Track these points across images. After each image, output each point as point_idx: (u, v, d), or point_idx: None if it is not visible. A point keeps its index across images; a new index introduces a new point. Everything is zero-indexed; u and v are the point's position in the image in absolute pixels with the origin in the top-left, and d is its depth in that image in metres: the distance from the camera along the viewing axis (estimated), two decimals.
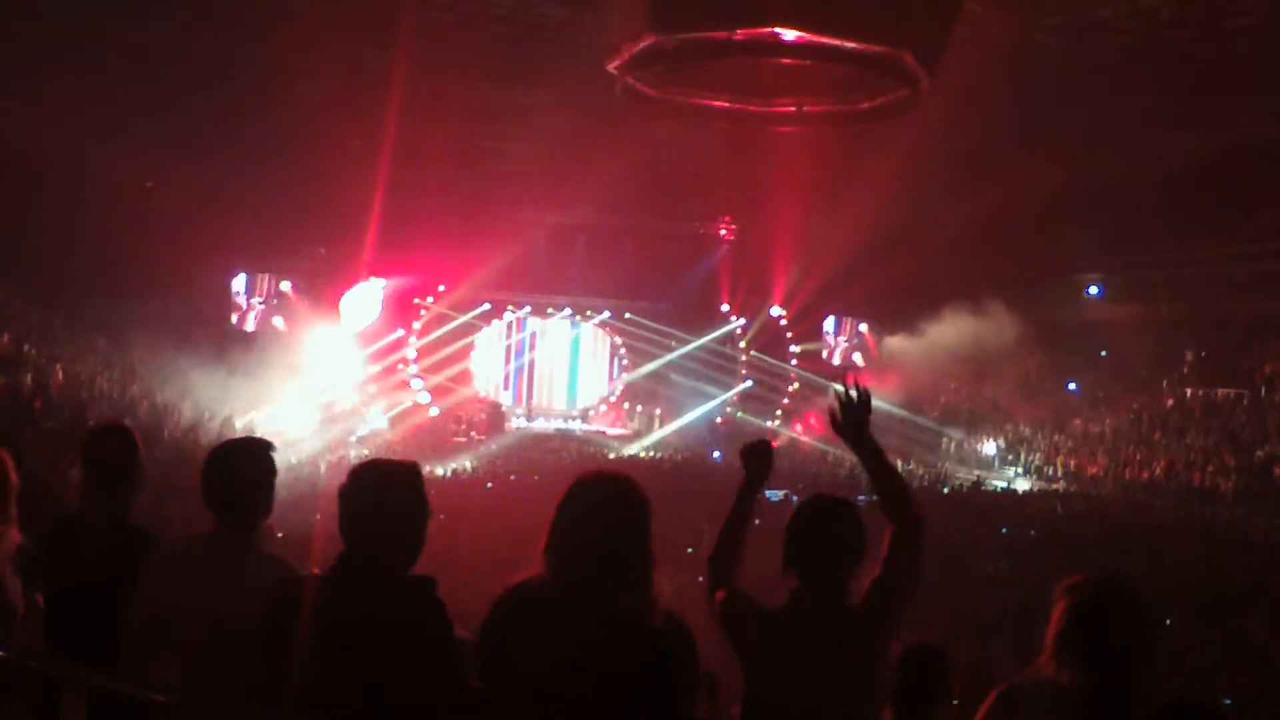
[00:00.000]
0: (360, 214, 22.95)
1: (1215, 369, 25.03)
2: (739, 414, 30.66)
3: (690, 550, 17.63)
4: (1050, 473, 25.47)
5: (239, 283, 27.25)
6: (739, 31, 16.47)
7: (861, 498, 3.55)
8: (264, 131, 21.15)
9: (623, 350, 31.07)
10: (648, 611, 2.92)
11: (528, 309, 30.47)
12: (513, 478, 20.91)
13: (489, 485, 20.32)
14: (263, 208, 23.77)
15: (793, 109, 20.29)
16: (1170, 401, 25.50)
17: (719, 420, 30.21)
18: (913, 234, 24.35)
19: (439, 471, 20.07)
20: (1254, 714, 10.76)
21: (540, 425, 29.35)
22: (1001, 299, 26.00)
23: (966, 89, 18.52)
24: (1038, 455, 26.45)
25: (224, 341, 23.97)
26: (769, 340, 30.86)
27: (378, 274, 26.86)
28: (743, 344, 31.04)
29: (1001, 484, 24.37)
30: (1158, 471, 23.63)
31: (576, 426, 29.77)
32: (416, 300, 28.45)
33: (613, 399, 31.17)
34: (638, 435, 29.17)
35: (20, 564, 3.77)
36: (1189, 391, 25.34)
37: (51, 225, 19.81)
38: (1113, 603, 2.96)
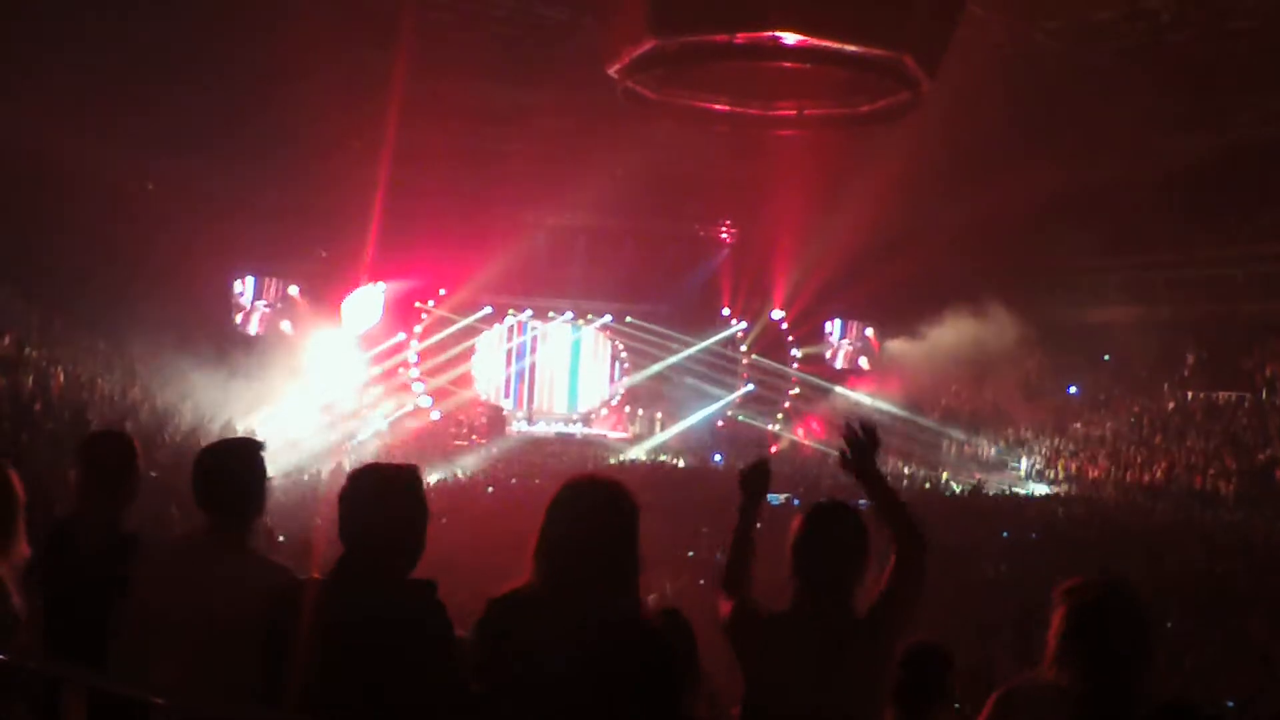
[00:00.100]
0: (360, 216, 22.95)
1: (1216, 371, 25.02)
2: (740, 417, 30.66)
3: (691, 554, 17.66)
4: (1052, 475, 25.47)
5: (244, 286, 27.24)
6: (740, 35, 16.47)
7: (862, 502, 3.55)
8: (264, 133, 21.16)
9: (623, 353, 31.07)
10: (642, 612, 2.95)
11: (528, 312, 30.49)
12: (514, 481, 20.89)
13: (490, 490, 20.31)
14: (263, 210, 23.80)
15: (793, 112, 20.29)
16: (1171, 404, 25.49)
17: (719, 423, 30.20)
18: (913, 236, 24.37)
19: (439, 476, 20.06)
20: (1254, 715, 10.75)
21: (541, 428, 29.36)
22: (1002, 301, 26.01)
23: (967, 91, 18.54)
24: (1038, 458, 26.44)
25: (225, 344, 23.96)
26: (770, 343, 30.86)
27: (378, 277, 26.87)
28: (743, 347, 31.04)
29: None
30: (1158, 474, 23.61)
31: (577, 430, 29.76)
32: (417, 303, 28.45)
33: (613, 402, 31.16)
34: (639, 438, 29.17)
35: (24, 572, 3.78)
36: (1190, 394, 25.32)
37: (53, 227, 19.82)
38: (1112, 606, 2.97)
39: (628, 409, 30.76)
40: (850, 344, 31.89)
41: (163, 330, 20.93)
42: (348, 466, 13.14)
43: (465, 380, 29.35)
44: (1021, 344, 26.71)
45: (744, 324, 30.85)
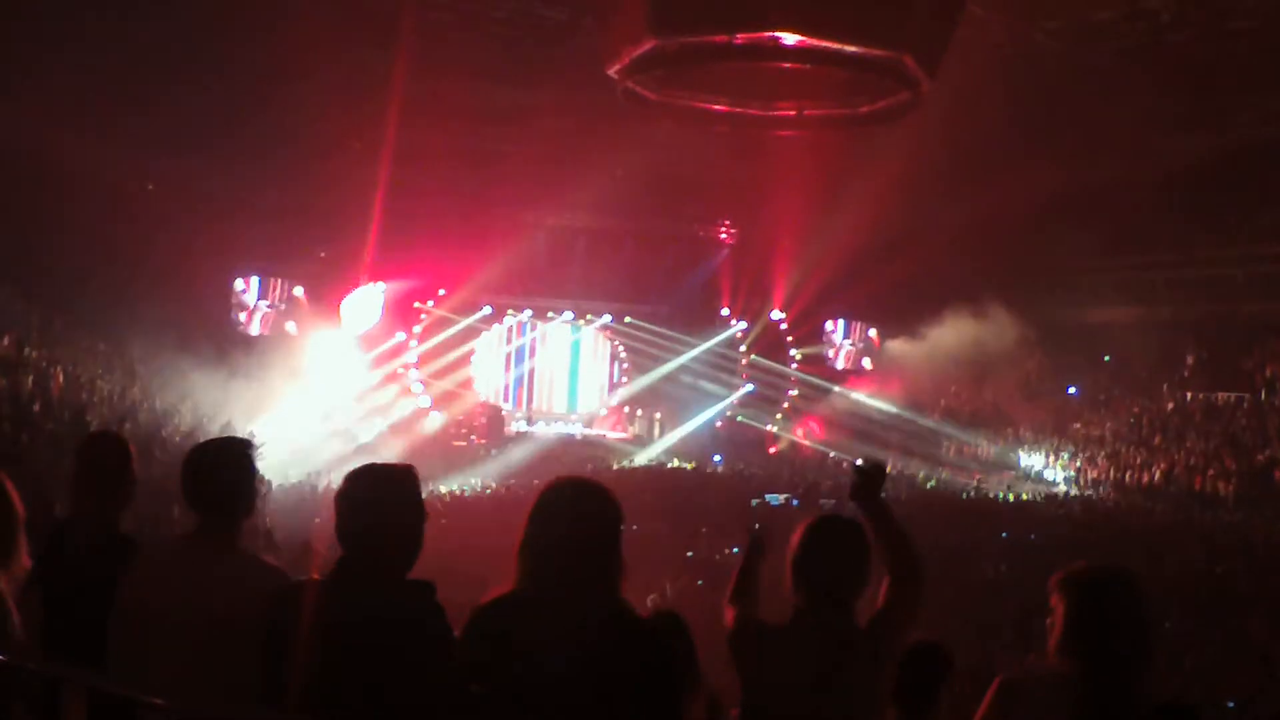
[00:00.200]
0: (360, 216, 22.95)
1: (1216, 372, 25.01)
2: (739, 417, 30.66)
3: (690, 554, 17.67)
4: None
5: (249, 286, 27.22)
6: (739, 35, 16.47)
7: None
8: (264, 133, 21.16)
9: (623, 354, 31.07)
10: (636, 612, 2.97)
11: (528, 313, 30.47)
12: (512, 482, 20.93)
13: (488, 490, 20.34)
14: (263, 210, 23.79)
15: (793, 112, 20.30)
16: (1170, 405, 25.49)
17: (719, 424, 30.22)
18: (912, 236, 24.38)
19: (450, 489, 20.03)
20: (1254, 715, 10.75)
21: (540, 429, 29.36)
22: (1001, 301, 26.02)
23: (967, 91, 18.54)
24: (1037, 459, 26.46)
25: (225, 344, 23.94)
26: (769, 343, 30.85)
27: (378, 277, 26.86)
28: (743, 347, 31.03)
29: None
30: (1158, 475, 23.61)
31: (577, 431, 29.75)
32: (417, 304, 28.44)
33: (613, 403, 31.16)
34: (639, 439, 29.18)
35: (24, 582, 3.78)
36: (1189, 395, 25.32)
37: (52, 227, 19.81)
38: (1112, 591, 2.98)
39: (627, 410, 30.75)
40: (853, 344, 31.87)
41: (162, 331, 20.93)
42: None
43: (464, 381, 29.33)
44: (1021, 344, 26.71)
45: (744, 324, 30.84)
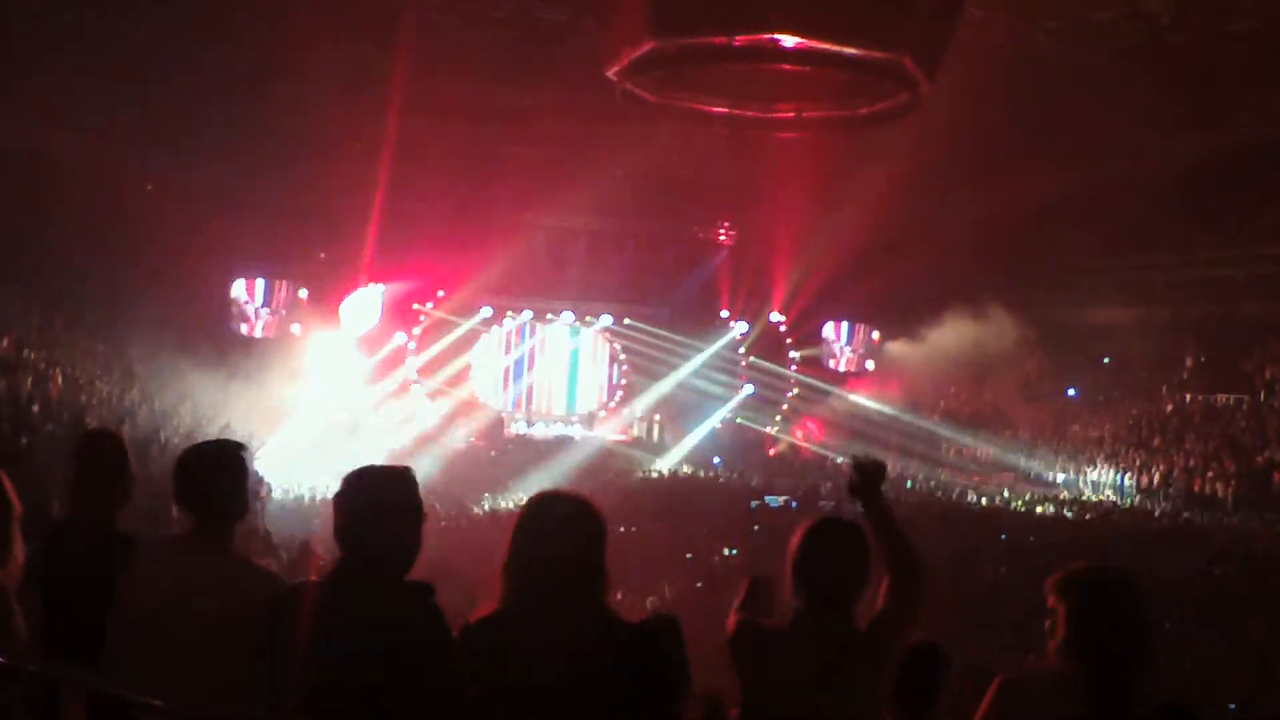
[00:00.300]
0: (359, 217, 22.95)
1: (1215, 373, 25.00)
2: (738, 419, 30.66)
3: (689, 555, 17.65)
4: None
5: (255, 288, 27.19)
6: (739, 37, 16.48)
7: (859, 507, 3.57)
8: (263, 134, 21.17)
9: (622, 356, 31.05)
10: (629, 618, 2.98)
11: (527, 314, 30.45)
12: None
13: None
14: (262, 211, 23.77)
15: (792, 114, 20.30)
16: (1170, 406, 25.48)
17: (718, 426, 30.23)
18: (912, 238, 24.36)
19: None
20: (1254, 716, 10.75)
21: (540, 430, 29.36)
22: (1001, 302, 26.01)
23: (966, 92, 18.53)
24: (1036, 460, 26.45)
25: (224, 346, 23.94)
26: (769, 345, 30.84)
27: (377, 278, 26.85)
28: (742, 349, 31.02)
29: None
30: (1157, 477, 23.61)
31: (576, 433, 29.74)
32: (416, 305, 28.43)
33: (612, 405, 31.14)
34: (638, 441, 29.21)
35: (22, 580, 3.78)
36: (1188, 396, 25.31)
37: (52, 228, 19.81)
38: (1112, 592, 2.97)
39: (626, 411, 30.74)
40: (853, 347, 31.83)
41: (161, 332, 20.93)
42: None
43: (464, 382, 29.32)
44: (1021, 345, 26.71)
45: (743, 326, 30.83)
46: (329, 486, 18.39)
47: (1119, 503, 23.28)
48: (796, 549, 3.37)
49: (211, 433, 18.86)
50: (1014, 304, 26.07)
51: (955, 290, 26.31)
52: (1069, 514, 22.26)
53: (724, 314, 30.84)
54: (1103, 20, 19.56)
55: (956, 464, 26.83)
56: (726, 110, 20.20)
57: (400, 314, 28.20)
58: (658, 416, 29.92)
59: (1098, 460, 25.14)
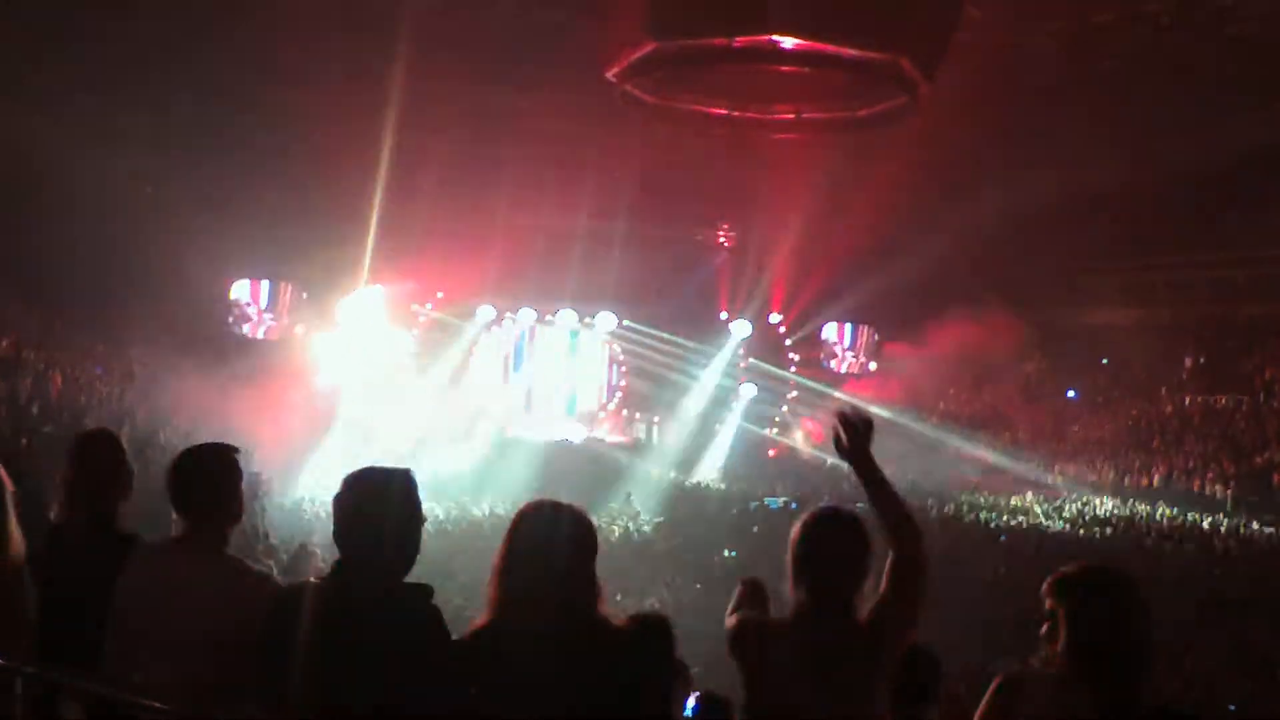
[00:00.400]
0: (358, 219, 22.94)
1: (1215, 374, 25.03)
2: (738, 421, 30.64)
3: (688, 557, 17.64)
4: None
5: (246, 289, 27.16)
6: (738, 39, 16.50)
7: (861, 505, 3.54)
8: (263, 136, 21.15)
9: (621, 357, 31.04)
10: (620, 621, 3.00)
11: (527, 315, 30.43)
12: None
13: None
14: (261, 212, 23.75)
15: (791, 116, 20.32)
16: (1169, 408, 25.49)
17: (717, 427, 30.23)
18: (912, 239, 24.35)
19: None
20: (1254, 717, 10.76)
21: (539, 432, 29.34)
22: (1001, 304, 26.01)
23: (966, 93, 18.54)
24: (1036, 461, 26.44)
25: (224, 347, 23.92)
26: (768, 347, 30.84)
27: (376, 280, 26.82)
28: (741, 351, 31.01)
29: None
30: (1156, 478, 23.63)
31: (576, 435, 29.72)
32: (415, 306, 28.41)
33: (611, 407, 31.13)
34: (638, 443, 29.21)
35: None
36: (1188, 398, 25.33)
37: (51, 230, 19.80)
38: (1109, 591, 2.96)
39: (625, 413, 30.74)
40: (855, 353, 31.79)
41: (161, 333, 20.92)
42: None
43: (463, 384, 29.29)
44: (1021, 347, 26.71)
45: (742, 327, 30.82)
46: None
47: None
48: (797, 542, 3.36)
49: (210, 435, 18.84)
50: (1014, 305, 26.07)
51: (955, 292, 26.30)
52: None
53: (723, 315, 30.83)
54: (1103, 22, 19.56)
55: (956, 465, 26.77)
56: (726, 112, 20.22)
57: (399, 316, 28.18)
58: (656, 419, 29.89)
59: (1097, 461, 25.16)
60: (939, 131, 19.80)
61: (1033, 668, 3.08)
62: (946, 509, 22.35)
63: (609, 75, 17.93)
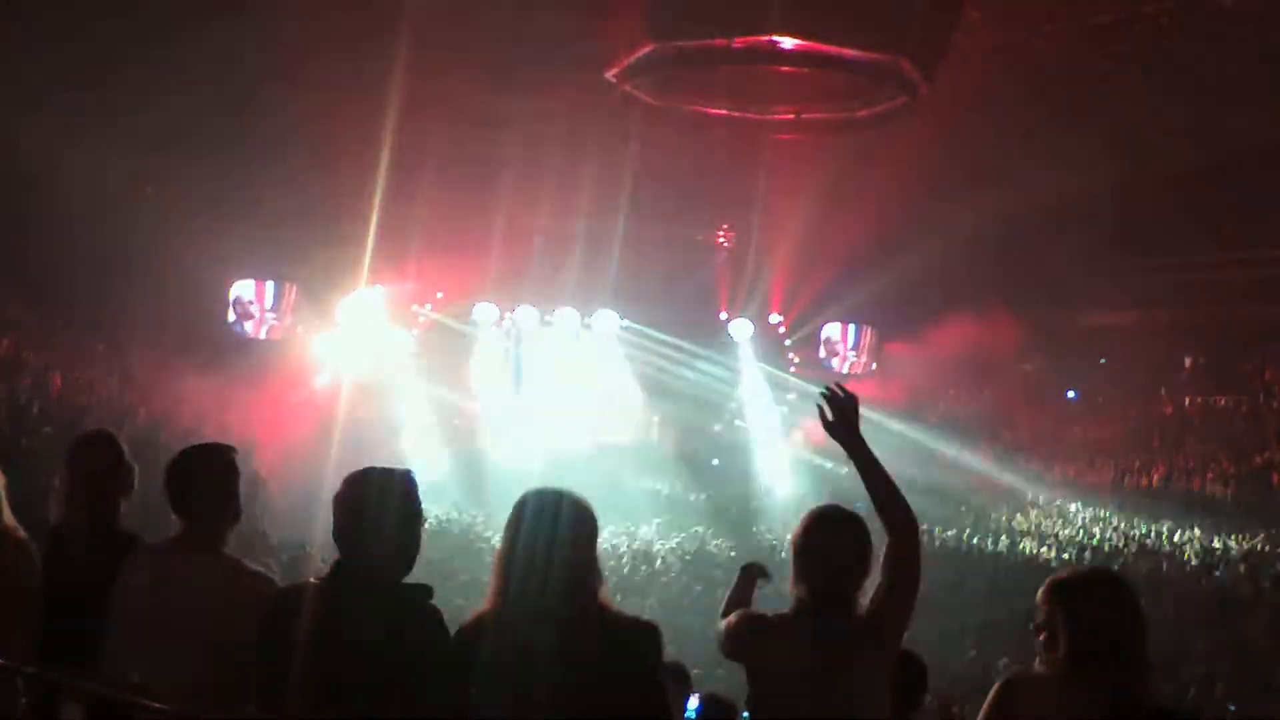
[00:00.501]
0: (357, 220, 22.92)
1: (1215, 375, 25.03)
2: (736, 421, 30.62)
3: (688, 556, 17.65)
4: None
5: (251, 289, 27.13)
6: (738, 39, 16.50)
7: (859, 503, 3.56)
8: (263, 135, 21.13)
9: (621, 358, 31.00)
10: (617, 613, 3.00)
11: (526, 315, 30.40)
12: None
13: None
14: (261, 212, 23.74)
15: (791, 116, 20.31)
16: (1169, 408, 25.50)
17: (717, 428, 30.20)
18: (911, 240, 24.35)
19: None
20: (1254, 718, 10.77)
21: (538, 432, 29.32)
22: (1001, 305, 25.99)
23: (965, 94, 18.54)
24: (1036, 462, 26.44)
25: (224, 347, 23.91)
26: (767, 347, 30.79)
27: (375, 280, 26.79)
28: (741, 351, 30.97)
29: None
30: (1156, 478, 23.62)
31: (576, 435, 29.70)
32: (415, 307, 28.39)
33: (611, 406, 31.09)
34: (637, 444, 29.19)
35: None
36: (1188, 398, 25.33)
37: (51, 229, 19.80)
38: (1105, 595, 2.99)
39: (625, 413, 30.70)
40: (858, 353, 31.74)
41: (161, 333, 20.91)
42: None
43: (462, 384, 29.27)
44: (1021, 348, 26.69)
45: (742, 327, 30.78)
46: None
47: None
48: (799, 537, 3.37)
49: (210, 435, 18.85)
50: (1014, 306, 26.05)
51: (955, 293, 26.28)
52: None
53: (723, 316, 30.80)
54: (1102, 23, 19.56)
55: (956, 466, 26.75)
56: (725, 112, 20.22)
57: (398, 316, 28.15)
58: (656, 419, 29.86)
59: (1097, 461, 25.16)
60: (939, 131, 19.80)
61: (1033, 672, 3.09)
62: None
63: (608, 76, 17.93)
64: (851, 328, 31.39)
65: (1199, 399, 25.07)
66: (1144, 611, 2.98)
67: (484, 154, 24.96)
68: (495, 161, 25.20)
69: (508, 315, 29.86)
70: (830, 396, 3.49)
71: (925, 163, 21.04)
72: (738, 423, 30.59)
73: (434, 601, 2.95)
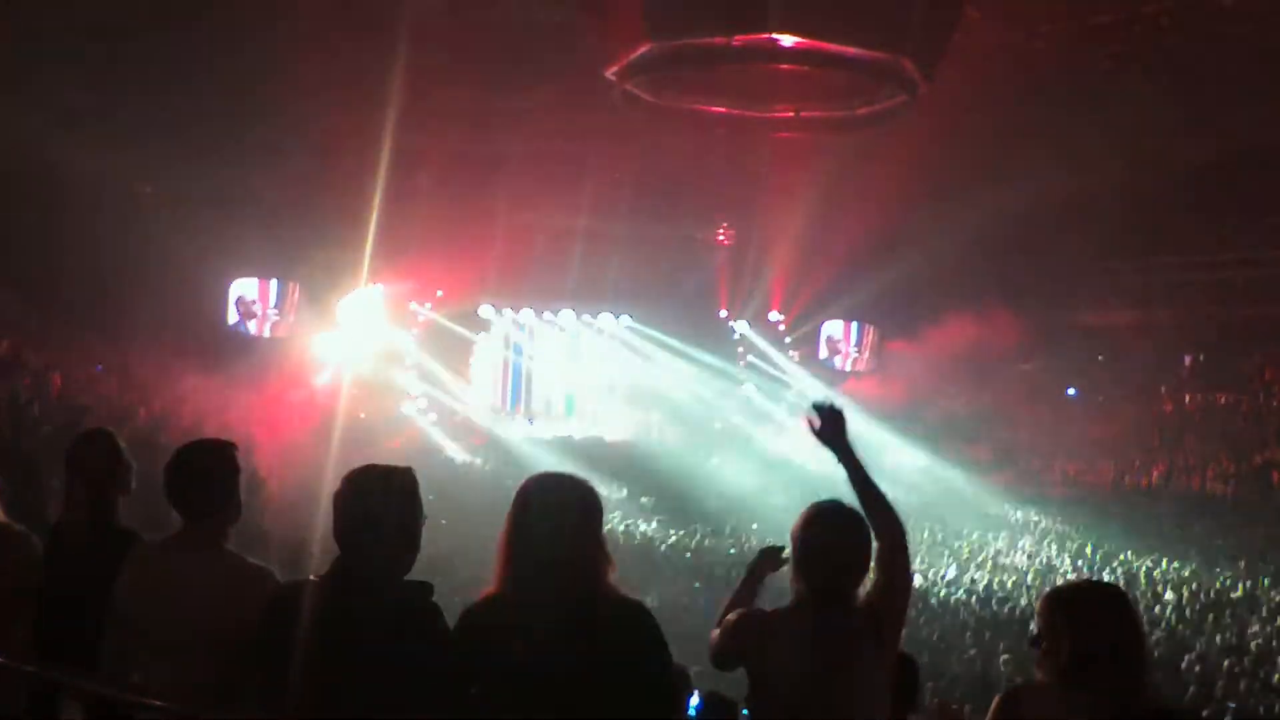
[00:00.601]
0: (358, 218, 22.92)
1: (1214, 374, 25.05)
2: (735, 419, 30.63)
3: (689, 555, 17.65)
4: None
5: (254, 288, 27.13)
6: (737, 37, 16.49)
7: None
8: (262, 135, 21.12)
9: (620, 356, 31.02)
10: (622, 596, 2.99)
11: (526, 314, 30.43)
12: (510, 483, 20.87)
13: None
14: (261, 211, 23.73)
15: (790, 114, 20.31)
16: (1169, 407, 25.51)
17: (717, 426, 30.22)
18: (911, 239, 24.37)
19: None
20: (1254, 716, 10.77)
21: (538, 430, 29.35)
22: (1001, 304, 26.01)
23: (964, 94, 18.54)
24: (1036, 460, 26.45)
25: (224, 347, 23.91)
26: (767, 346, 30.82)
27: (375, 279, 26.80)
28: (740, 349, 31.02)
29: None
30: (1156, 477, 23.64)
31: (575, 432, 29.74)
32: (414, 305, 28.40)
33: (611, 405, 31.13)
34: (638, 442, 29.21)
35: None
36: (1188, 397, 25.34)
37: (50, 229, 19.79)
38: (1102, 604, 3.02)
39: (623, 412, 30.73)
40: (860, 351, 31.77)
41: (161, 333, 20.91)
42: None
43: (462, 383, 29.29)
44: (1021, 347, 26.71)
45: (742, 326, 30.82)
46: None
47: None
48: (799, 534, 3.38)
49: (210, 433, 18.81)
50: (1014, 305, 26.07)
51: (955, 291, 26.30)
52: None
53: (722, 314, 30.83)
54: (1102, 23, 19.56)
55: (955, 466, 26.77)
56: (724, 110, 20.21)
57: (398, 315, 28.16)
58: (656, 416, 29.86)
59: (1097, 460, 25.18)
60: (939, 131, 19.80)
61: (1034, 682, 3.12)
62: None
63: (608, 74, 17.91)
64: (854, 326, 31.42)
65: (1199, 397, 25.10)
66: (1141, 618, 3.04)
67: (484, 153, 24.96)
68: (495, 161, 25.20)
69: (508, 313, 29.92)
70: (819, 406, 3.55)
71: (925, 162, 21.04)
72: (737, 421, 30.59)
73: (434, 599, 2.95)
